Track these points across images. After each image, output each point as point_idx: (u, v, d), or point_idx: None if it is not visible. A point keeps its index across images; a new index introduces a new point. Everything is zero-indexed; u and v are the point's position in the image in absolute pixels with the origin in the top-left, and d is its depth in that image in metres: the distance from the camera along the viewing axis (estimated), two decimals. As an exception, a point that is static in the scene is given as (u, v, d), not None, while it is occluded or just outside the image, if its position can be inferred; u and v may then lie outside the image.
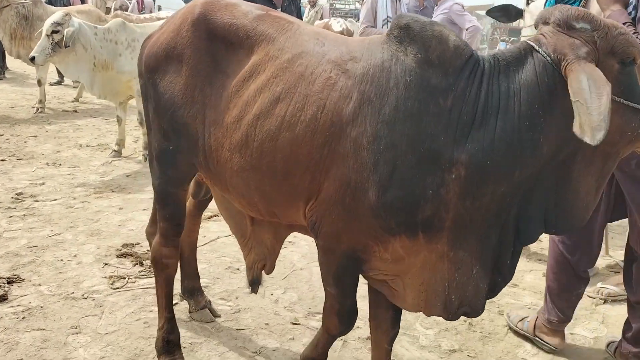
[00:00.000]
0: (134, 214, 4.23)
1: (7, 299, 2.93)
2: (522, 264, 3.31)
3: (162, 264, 2.45)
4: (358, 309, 2.09)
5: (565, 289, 2.78)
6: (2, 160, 5.35)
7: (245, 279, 2.54)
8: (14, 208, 4.18)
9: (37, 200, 4.38)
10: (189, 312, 2.90)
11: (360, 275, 2.01)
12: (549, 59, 1.65)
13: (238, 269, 3.43)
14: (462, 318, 2.95)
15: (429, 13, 6.03)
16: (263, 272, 2.46)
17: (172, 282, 2.54)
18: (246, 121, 1.97)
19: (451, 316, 1.93)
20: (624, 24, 2.20)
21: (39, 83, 7.65)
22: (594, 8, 2.40)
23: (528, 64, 1.69)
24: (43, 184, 4.79)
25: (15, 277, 3.15)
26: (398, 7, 5.88)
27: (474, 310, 1.91)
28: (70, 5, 9.25)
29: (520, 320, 2.96)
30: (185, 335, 2.70)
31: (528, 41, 1.73)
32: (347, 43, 1.95)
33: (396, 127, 1.71)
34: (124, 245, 3.64)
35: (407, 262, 1.88)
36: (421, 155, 1.70)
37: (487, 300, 3.43)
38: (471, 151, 1.67)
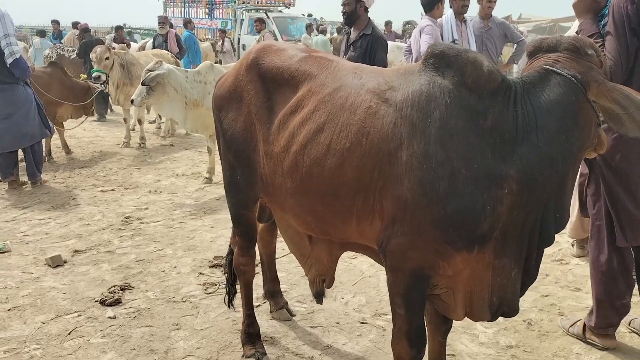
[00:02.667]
0: (223, 231, 4.75)
1: (120, 302, 3.48)
2: (586, 269, 3.43)
3: (241, 270, 2.87)
4: None
5: (610, 299, 2.83)
6: (112, 190, 6.10)
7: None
8: (124, 229, 4.84)
9: (142, 222, 5.02)
10: (270, 312, 3.29)
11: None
12: (574, 79, 1.82)
13: (313, 277, 3.80)
14: (521, 318, 3.13)
15: (494, 34, 6.12)
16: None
17: (251, 284, 2.92)
18: (294, 150, 2.17)
19: (492, 317, 2.05)
20: (593, 34, 2.39)
21: (139, 122, 8.54)
22: None
23: (553, 85, 1.84)
24: (147, 208, 5.45)
25: (127, 285, 3.71)
26: (464, 29, 6.02)
27: (512, 309, 2.03)
28: (167, 49, 10.06)
29: (571, 325, 3.06)
30: (267, 331, 3.10)
31: (545, 66, 1.89)
32: (384, 74, 2.10)
33: (445, 145, 1.81)
34: (215, 258, 4.15)
35: (460, 275, 1.99)
36: (474, 171, 1.79)
37: (549, 303, 3.59)
38: (519, 166, 1.79)
